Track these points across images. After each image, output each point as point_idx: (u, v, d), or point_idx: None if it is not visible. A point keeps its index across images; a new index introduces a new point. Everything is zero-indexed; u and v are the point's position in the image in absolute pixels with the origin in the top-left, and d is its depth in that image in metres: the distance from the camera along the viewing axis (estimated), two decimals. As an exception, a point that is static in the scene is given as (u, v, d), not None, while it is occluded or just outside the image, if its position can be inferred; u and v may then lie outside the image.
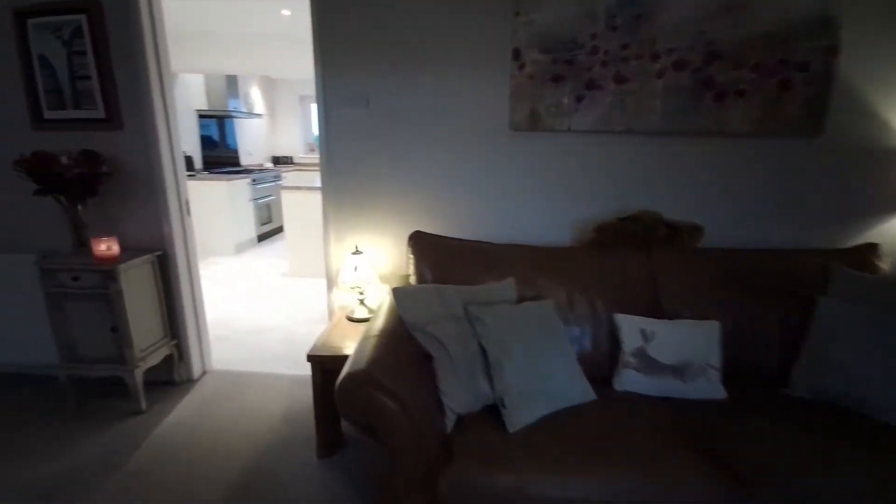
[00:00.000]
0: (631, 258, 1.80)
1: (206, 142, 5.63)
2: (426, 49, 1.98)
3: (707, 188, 1.99)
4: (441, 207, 2.14)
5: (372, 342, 1.39)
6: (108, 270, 1.97)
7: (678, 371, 1.54)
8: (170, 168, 2.23)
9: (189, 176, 5.02)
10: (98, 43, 2.02)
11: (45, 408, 2.18)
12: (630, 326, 1.62)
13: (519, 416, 1.35)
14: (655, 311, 1.69)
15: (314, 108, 7.45)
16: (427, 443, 1.25)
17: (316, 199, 4.12)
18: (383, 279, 2.18)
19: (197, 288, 2.46)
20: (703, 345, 1.58)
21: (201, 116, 5.51)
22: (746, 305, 1.71)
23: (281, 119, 7.35)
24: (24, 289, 2.22)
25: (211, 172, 5.49)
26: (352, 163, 2.13)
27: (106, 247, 2.02)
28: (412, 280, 1.87)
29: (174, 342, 2.37)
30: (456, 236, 2.02)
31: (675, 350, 1.56)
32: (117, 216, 2.26)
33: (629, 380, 1.57)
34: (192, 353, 2.43)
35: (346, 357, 1.74)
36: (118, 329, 2.05)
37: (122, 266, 2.00)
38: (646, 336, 1.58)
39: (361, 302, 2.09)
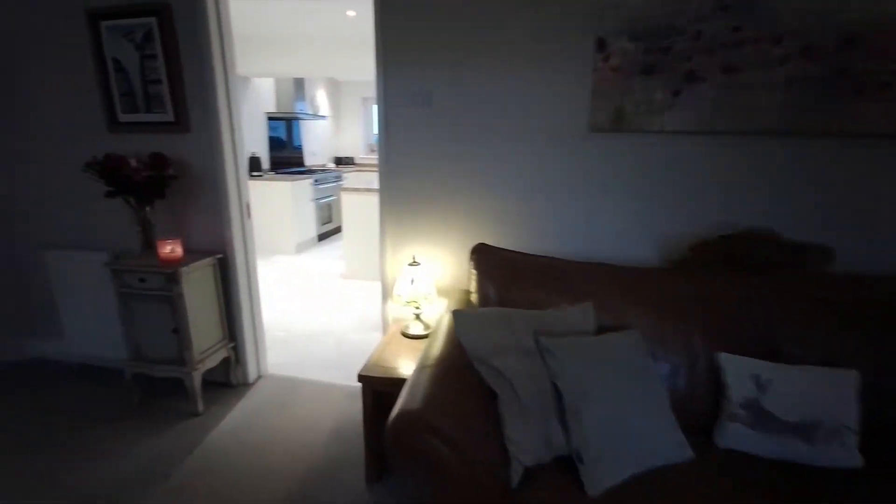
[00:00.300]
0: (737, 285, 1.50)
1: (275, 143, 5.81)
2: (495, 43, 1.79)
3: (838, 201, 1.63)
4: (509, 218, 1.94)
5: (428, 373, 1.22)
6: (170, 273, 1.97)
7: (803, 431, 1.24)
8: (232, 171, 2.21)
9: (256, 176, 5.19)
10: (168, 46, 2.03)
11: (112, 404, 2.24)
12: (738, 370, 1.33)
13: (600, 476, 1.12)
14: (771, 352, 1.38)
15: (375, 108, 7.50)
16: (488, 500, 1.07)
17: (374, 201, 4.07)
18: (442, 293, 2.02)
19: (255, 291, 2.44)
20: (836, 399, 1.26)
21: (270, 119, 5.69)
22: (891, 350, 1.36)
23: (344, 120, 7.47)
24: (100, 285, 2.31)
25: (277, 173, 5.65)
26: (411, 166, 1.99)
27: (170, 249, 2.03)
28: (474, 298, 1.69)
29: (232, 345, 2.36)
30: (525, 250, 1.81)
31: (800, 404, 1.25)
32: (182, 217, 2.28)
33: (736, 436, 1.28)
34: (249, 357, 2.42)
35: (398, 380, 1.60)
36: (179, 331, 2.06)
37: (185, 269, 2.00)
38: (760, 384, 1.29)
39: (417, 317, 1.95)
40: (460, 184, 1.96)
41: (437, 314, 2.04)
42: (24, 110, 2.32)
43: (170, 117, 2.14)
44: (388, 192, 2.05)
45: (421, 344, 1.86)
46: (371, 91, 7.22)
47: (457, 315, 1.35)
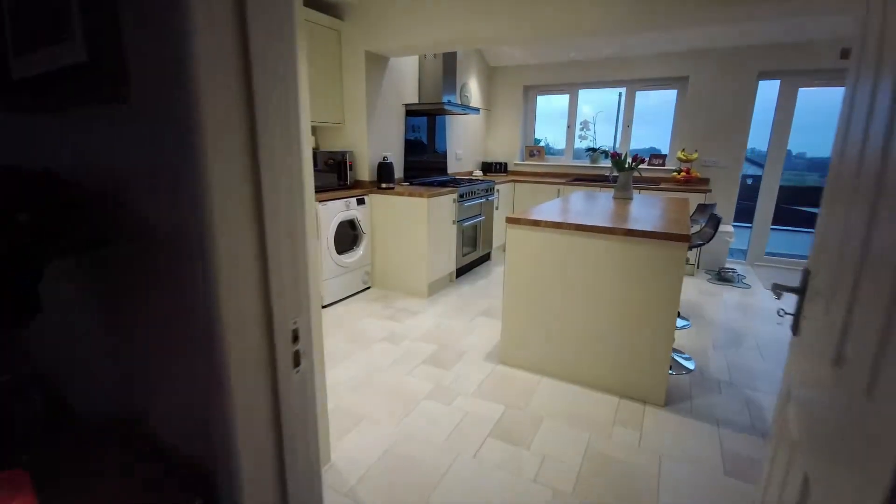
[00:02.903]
0: None
1: (412, 145, 4.45)
2: None
3: None
4: None
5: None
6: None
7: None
8: (245, 230, 0.66)
9: (386, 188, 3.86)
10: None
11: None
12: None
13: None
14: None
15: (541, 100, 5.74)
16: None
17: (564, 243, 2.31)
18: None
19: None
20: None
21: (410, 113, 4.34)
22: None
23: (498, 115, 5.89)
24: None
25: (413, 183, 4.28)
26: None
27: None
28: None
29: None
30: None
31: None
32: (93, 357, 0.81)
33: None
34: None
35: None
36: None
37: None
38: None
39: None
40: None
41: None
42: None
43: (79, 54, 0.67)
44: None
45: None
46: (534, 77, 5.48)
47: None
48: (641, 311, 2.17)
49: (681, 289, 2.08)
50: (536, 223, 2.35)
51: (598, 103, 5.45)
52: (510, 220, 2.44)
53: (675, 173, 4.68)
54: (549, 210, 2.72)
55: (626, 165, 3.26)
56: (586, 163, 5.46)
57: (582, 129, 5.51)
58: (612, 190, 3.44)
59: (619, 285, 2.20)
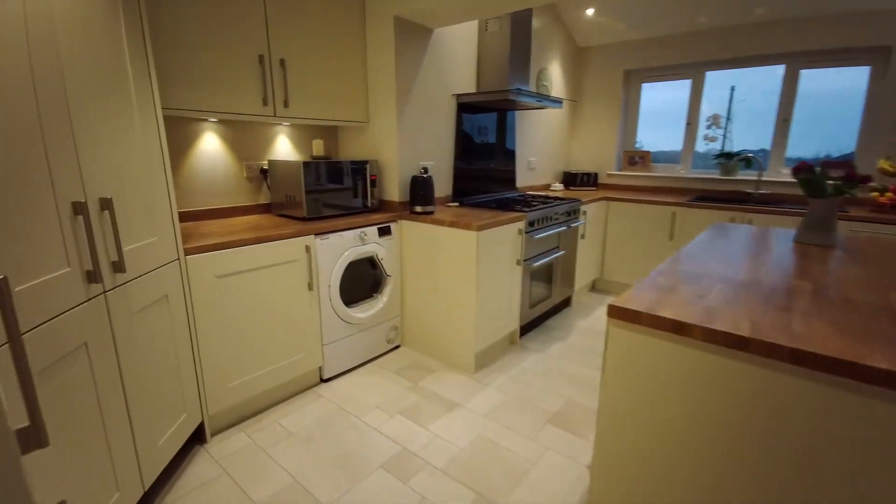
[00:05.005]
0: None
1: (467, 150, 3.29)
2: None
3: None
4: None
5: None
6: None
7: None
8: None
9: (421, 213, 2.73)
10: None
11: None
12: None
13: None
14: None
15: (647, 88, 4.26)
16: None
17: (730, 373, 0.99)
18: None
19: None
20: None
21: (463, 108, 3.19)
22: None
23: (588, 110, 4.51)
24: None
25: (463, 204, 3.12)
26: None
27: None
28: None
29: None
30: None
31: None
32: None
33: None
34: None
35: None
36: None
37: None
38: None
39: None
40: None
41: None
42: None
43: None
44: None
45: None
46: (641, 59, 4.03)
47: None
48: None
49: None
50: (680, 327, 1.06)
51: (713, 99, 3.86)
52: (615, 312, 1.16)
53: (874, 193, 2.99)
54: (675, 276, 1.39)
55: (831, 188, 1.80)
56: (714, 173, 3.90)
57: (709, 127, 3.94)
58: (759, 216, 1.99)
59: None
